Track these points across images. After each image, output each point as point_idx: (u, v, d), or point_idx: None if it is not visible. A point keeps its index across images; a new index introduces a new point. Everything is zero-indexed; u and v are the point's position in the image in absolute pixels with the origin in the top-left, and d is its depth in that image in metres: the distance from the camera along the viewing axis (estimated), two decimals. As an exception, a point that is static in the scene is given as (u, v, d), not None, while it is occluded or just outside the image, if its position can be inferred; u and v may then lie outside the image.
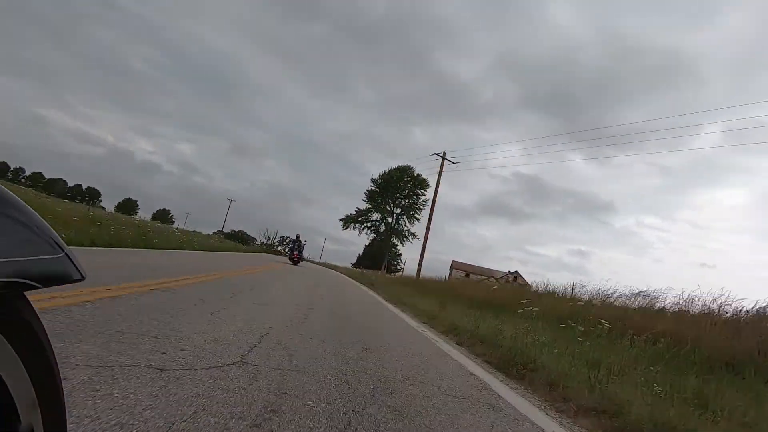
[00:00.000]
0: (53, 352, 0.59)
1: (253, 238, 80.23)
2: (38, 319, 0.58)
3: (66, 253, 0.59)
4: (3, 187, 0.54)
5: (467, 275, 59.31)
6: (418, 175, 62.96)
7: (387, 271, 52.50)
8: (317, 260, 67.13)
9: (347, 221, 67.27)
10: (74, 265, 0.60)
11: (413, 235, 65.30)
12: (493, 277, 45.60)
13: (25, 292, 0.54)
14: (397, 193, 64.02)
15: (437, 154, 30.48)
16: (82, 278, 0.61)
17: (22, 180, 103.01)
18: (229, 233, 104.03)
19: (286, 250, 26.73)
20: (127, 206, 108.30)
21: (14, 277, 0.50)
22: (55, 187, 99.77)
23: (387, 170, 65.68)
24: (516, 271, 62.30)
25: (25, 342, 0.54)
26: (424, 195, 63.51)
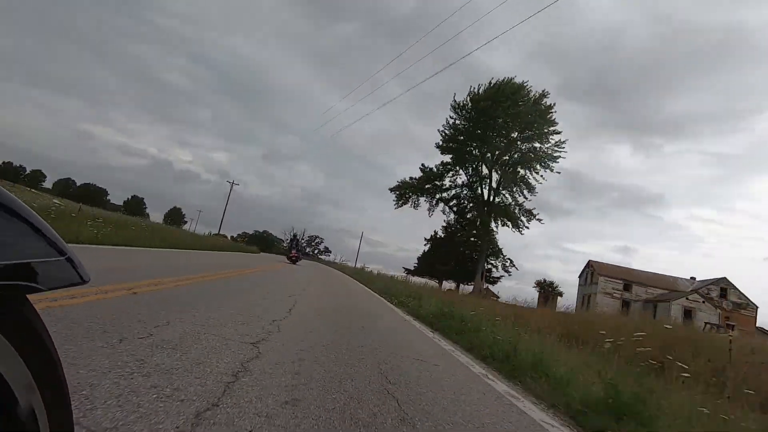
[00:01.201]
0: (58, 355, 0.59)
1: (280, 239, 78.67)
2: (42, 321, 0.58)
3: (69, 256, 0.59)
4: (4, 189, 0.54)
5: (626, 288, 41.20)
6: (536, 94, 33.26)
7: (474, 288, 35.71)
8: (353, 263, 56.70)
9: (403, 193, 38.88)
10: (77, 267, 0.60)
11: (530, 215, 34.97)
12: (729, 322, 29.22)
13: (29, 295, 0.54)
14: (502, 132, 33.35)
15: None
16: (85, 281, 0.61)
17: (24, 180, 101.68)
18: (253, 234, 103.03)
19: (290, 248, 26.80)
20: (174, 215, 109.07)
21: (17, 280, 0.50)
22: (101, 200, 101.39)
23: (479, 87, 34.13)
24: (724, 278, 40.21)
25: (28, 345, 0.54)
26: (557, 133, 33.52)
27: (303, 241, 76.28)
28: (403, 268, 51.95)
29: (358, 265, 44.59)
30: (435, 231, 50.18)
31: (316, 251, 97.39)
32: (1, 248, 0.49)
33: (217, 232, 45.37)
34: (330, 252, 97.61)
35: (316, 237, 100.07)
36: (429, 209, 39.33)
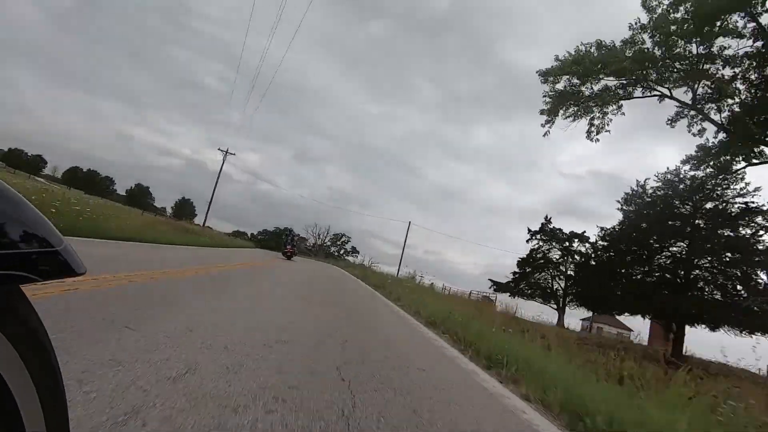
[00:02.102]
0: (51, 345, 0.59)
1: (304, 237, 69.76)
2: (35, 312, 0.57)
3: (64, 247, 0.59)
4: (0, 180, 0.53)
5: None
6: None
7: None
8: (385, 267, 49.23)
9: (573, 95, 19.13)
10: (72, 258, 0.60)
11: None
12: None
13: (23, 286, 0.54)
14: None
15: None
16: (80, 273, 0.60)
17: (25, 165, 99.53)
18: (273, 231, 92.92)
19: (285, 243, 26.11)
20: (184, 207, 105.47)
21: (11, 270, 0.49)
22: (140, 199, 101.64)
23: None
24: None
25: (22, 336, 0.54)
26: None
27: (327, 240, 67.44)
28: (491, 280, 37.46)
29: (405, 272, 27.12)
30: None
31: (342, 251, 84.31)
32: None
33: (203, 223, 38.62)
34: (357, 252, 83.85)
35: (342, 235, 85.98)
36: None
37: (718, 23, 16.53)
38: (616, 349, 9.73)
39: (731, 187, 21.07)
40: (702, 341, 20.66)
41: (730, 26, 16.71)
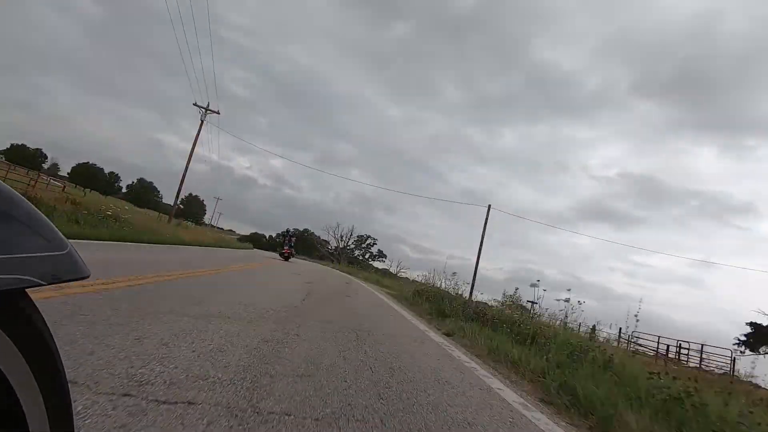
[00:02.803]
0: (57, 349, 0.59)
1: (326, 241, 61.43)
2: (41, 315, 0.57)
3: (69, 250, 0.59)
4: (4, 184, 0.53)
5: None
6: None
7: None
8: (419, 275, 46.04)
9: None
10: (77, 262, 0.60)
11: None
12: None
13: (28, 290, 0.54)
14: None
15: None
16: (85, 276, 0.60)
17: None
18: (292, 233, 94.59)
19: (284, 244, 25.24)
20: (192, 204, 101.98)
21: (17, 274, 0.49)
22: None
23: None
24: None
25: (27, 339, 0.54)
26: None
27: (351, 243, 59.68)
28: (752, 326, 23.10)
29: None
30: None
31: (367, 255, 73.99)
32: (1, 242, 0.48)
33: (174, 203, 25.70)
34: (384, 257, 73.66)
35: (367, 237, 74.69)
36: None
37: None
38: None
39: None
40: None
41: None
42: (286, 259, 23.09)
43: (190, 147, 23.99)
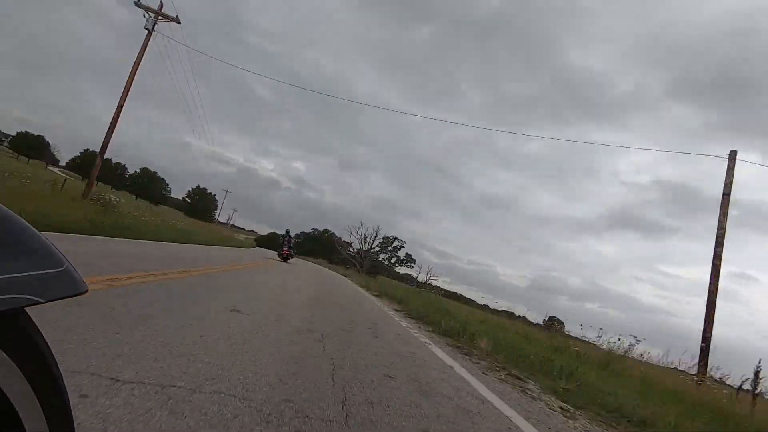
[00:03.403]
0: (58, 368, 0.59)
1: (347, 242, 54.55)
2: (41, 334, 0.58)
3: (66, 267, 0.58)
4: (1, 204, 0.53)
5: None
6: None
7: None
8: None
9: None
10: (74, 278, 0.60)
11: None
12: None
13: (27, 308, 0.54)
14: None
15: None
16: (83, 291, 0.60)
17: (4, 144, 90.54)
18: (309, 233, 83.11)
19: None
20: (199, 195, 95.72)
21: (17, 294, 0.49)
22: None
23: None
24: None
25: (28, 359, 0.54)
26: None
27: (375, 245, 53.63)
28: None
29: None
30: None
31: (393, 259, 65.57)
32: None
33: (99, 159, 15.52)
34: (413, 262, 63.84)
35: (394, 239, 64.80)
36: None
37: None
38: None
39: None
40: None
41: None
42: (285, 260, 22.52)
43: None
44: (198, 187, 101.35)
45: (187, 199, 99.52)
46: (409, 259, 65.23)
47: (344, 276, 26.95)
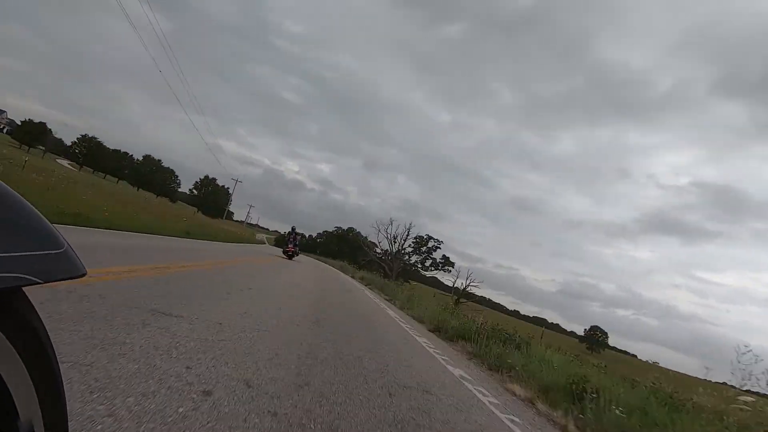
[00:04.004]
0: (53, 349, 0.59)
1: (373, 243, 48.38)
2: (37, 315, 0.57)
3: (66, 249, 0.59)
4: (1, 182, 0.53)
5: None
6: None
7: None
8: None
9: None
10: (74, 260, 0.60)
11: None
12: None
13: (25, 288, 0.54)
14: None
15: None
16: (82, 274, 0.60)
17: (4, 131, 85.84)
18: (332, 232, 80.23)
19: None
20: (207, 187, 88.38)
21: (14, 273, 0.49)
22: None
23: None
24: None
25: (24, 338, 0.54)
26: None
27: (407, 245, 46.91)
28: None
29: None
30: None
31: (428, 262, 55.50)
32: None
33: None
34: (451, 266, 53.47)
35: (428, 238, 54.59)
36: None
37: None
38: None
39: None
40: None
41: None
42: (290, 257, 22.76)
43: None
44: (207, 177, 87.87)
45: (194, 191, 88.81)
46: (446, 263, 54.93)
47: (361, 282, 22.68)
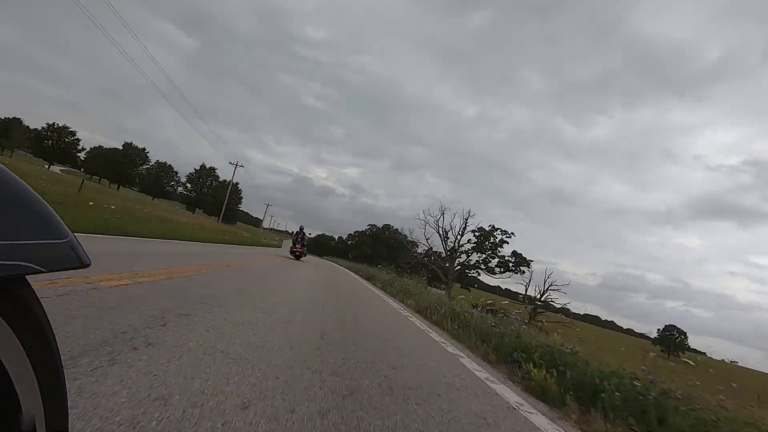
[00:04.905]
0: (55, 338, 0.59)
1: (413, 242, 38.85)
2: (40, 303, 0.57)
3: (70, 239, 0.58)
4: (7, 169, 0.53)
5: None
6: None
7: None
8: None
9: None
10: (78, 250, 0.59)
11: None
12: None
13: (28, 277, 0.54)
14: None
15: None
16: (86, 264, 0.60)
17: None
18: (363, 232, 71.85)
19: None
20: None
21: (17, 261, 0.49)
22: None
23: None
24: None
25: (26, 327, 0.54)
26: None
27: (464, 240, 35.04)
28: None
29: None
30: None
31: (493, 261, 40.49)
32: (1, 228, 0.49)
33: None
34: (527, 265, 39.53)
35: (494, 230, 39.96)
36: None
37: None
38: None
39: None
40: None
41: None
42: (298, 258, 22.44)
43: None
44: (203, 166, 70.38)
45: (187, 185, 72.25)
46: (521, 261, 39.54)
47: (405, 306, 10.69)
